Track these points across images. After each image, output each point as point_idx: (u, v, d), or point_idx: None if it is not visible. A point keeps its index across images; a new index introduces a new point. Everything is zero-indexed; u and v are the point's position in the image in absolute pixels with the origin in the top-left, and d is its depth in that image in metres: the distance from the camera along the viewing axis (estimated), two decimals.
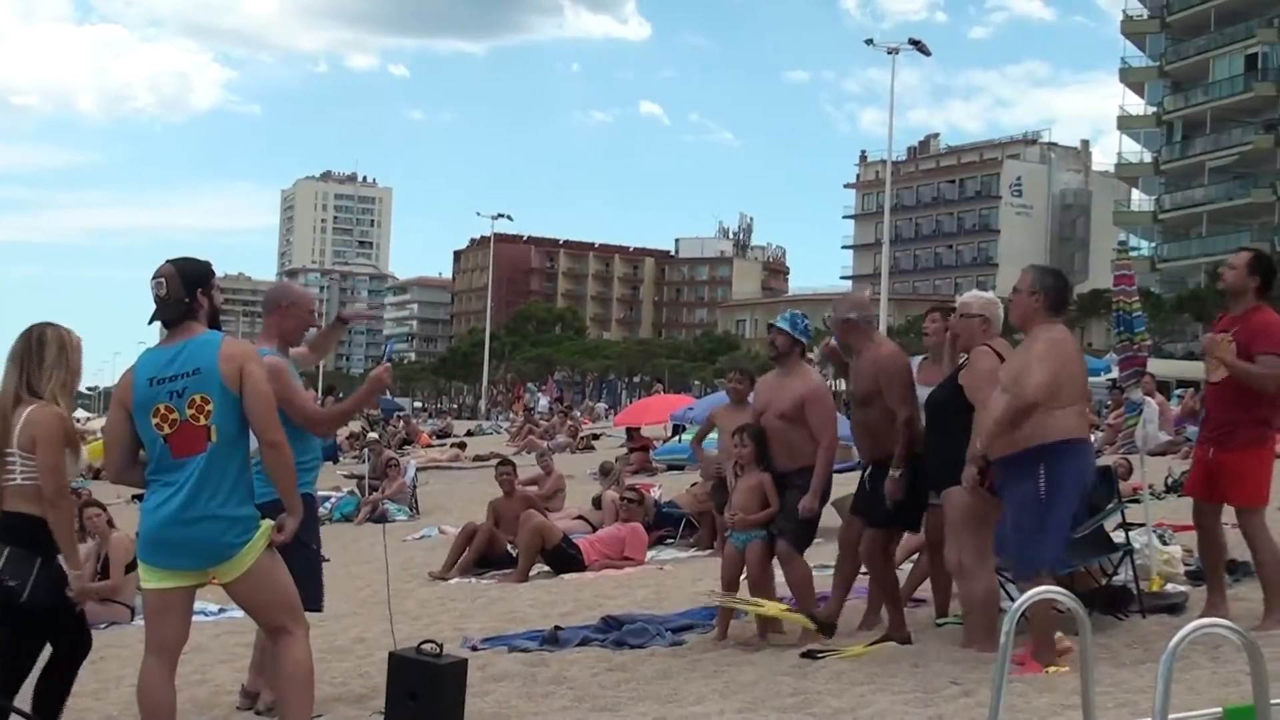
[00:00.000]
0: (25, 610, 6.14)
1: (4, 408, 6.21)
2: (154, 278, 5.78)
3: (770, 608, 8.61)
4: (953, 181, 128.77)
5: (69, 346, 6.35)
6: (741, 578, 9.18)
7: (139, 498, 7.67)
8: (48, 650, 6.48)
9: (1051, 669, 7.05)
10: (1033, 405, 7.11)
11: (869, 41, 53.81)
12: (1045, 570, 7.23)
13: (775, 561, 9.04)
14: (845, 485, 10.17)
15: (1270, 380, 7.99)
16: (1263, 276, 8.27)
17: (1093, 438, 15.56)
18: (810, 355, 9.05)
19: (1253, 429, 8.15)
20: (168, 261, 5.86)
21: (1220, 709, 3.46)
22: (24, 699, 6.37)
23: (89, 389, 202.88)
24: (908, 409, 8.47)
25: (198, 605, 6.54)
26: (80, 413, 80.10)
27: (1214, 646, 7.27)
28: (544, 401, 62.53)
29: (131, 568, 11.23)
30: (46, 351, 6.25)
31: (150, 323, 5.85)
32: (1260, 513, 8.21)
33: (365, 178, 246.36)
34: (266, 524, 5.75)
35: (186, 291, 5.77)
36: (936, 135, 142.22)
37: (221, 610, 10.52)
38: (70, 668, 6.52)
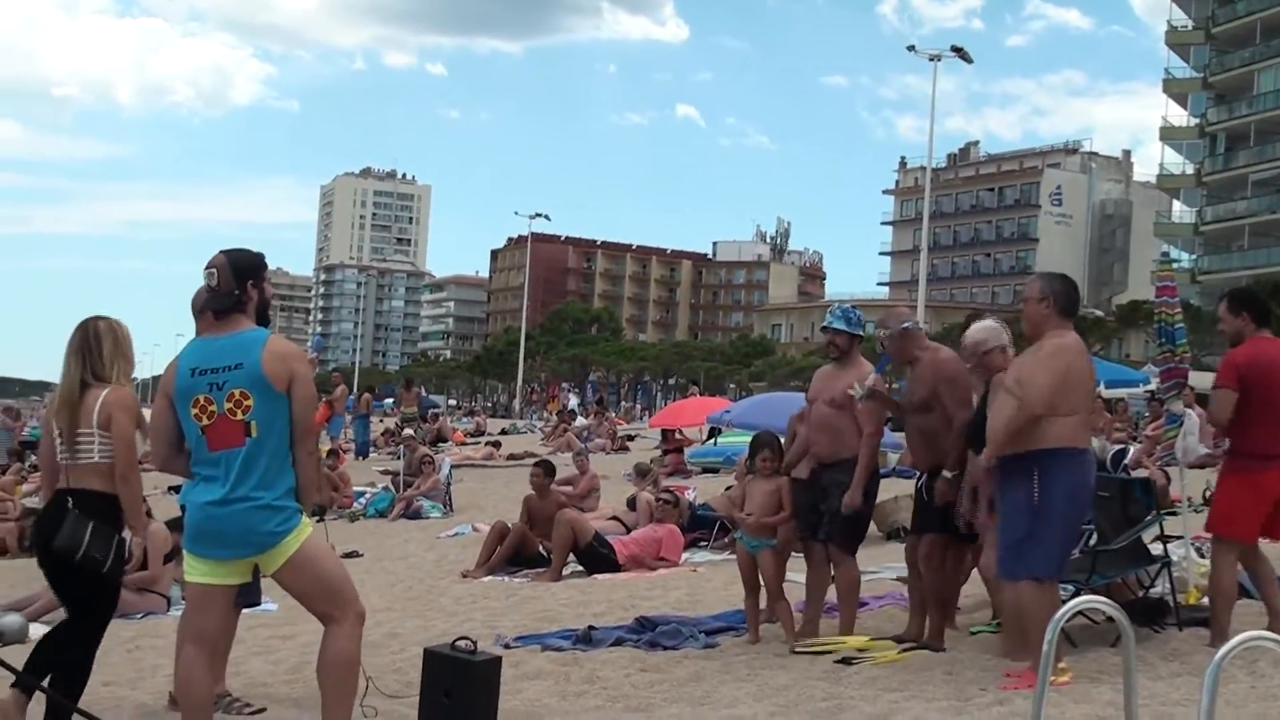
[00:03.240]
0: (98, 581, 6.50)
1: (71, 395, 6.58)
2: (207, 267, 5.86)
3: (852, 641, 8.55)
4: (992, 189, 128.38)
5: (121, 336, 6.76)
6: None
7: (175, 489, 7.70)
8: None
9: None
10: (1038, 419, 7.15)
11: (911, 48, 53.34)
12: (1032, 578, 7.22)
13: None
14: (885, 489, 10.16)
15: (1212, 412, 8.34)
16: (1248, 311, 8.31)
17: (1132, 449, 15.51)
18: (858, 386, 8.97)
19: (1230, 457, 8.35)
20: (221, 252, 5.93)
21: None
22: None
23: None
24: (967, 412, 8.43)
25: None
26: None
27: (1251, 661, 7.22)
28: (573, 401, 62.54)
29: (169, 558, 11.32)
30: (104, 342, 6.66)
31: (203, 310, 5.92)
32: (1223, 543, 8.19)
33: (404, 175, 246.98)
34: (308, 524, 5.79)
35: (237, 283, 5.83)
36: (976, 143, 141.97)
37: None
38: (83, 646, 6.64)
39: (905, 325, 8.89)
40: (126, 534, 6.68)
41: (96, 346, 6.64)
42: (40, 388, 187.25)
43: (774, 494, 9.03)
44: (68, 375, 6.64)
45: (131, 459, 6.56)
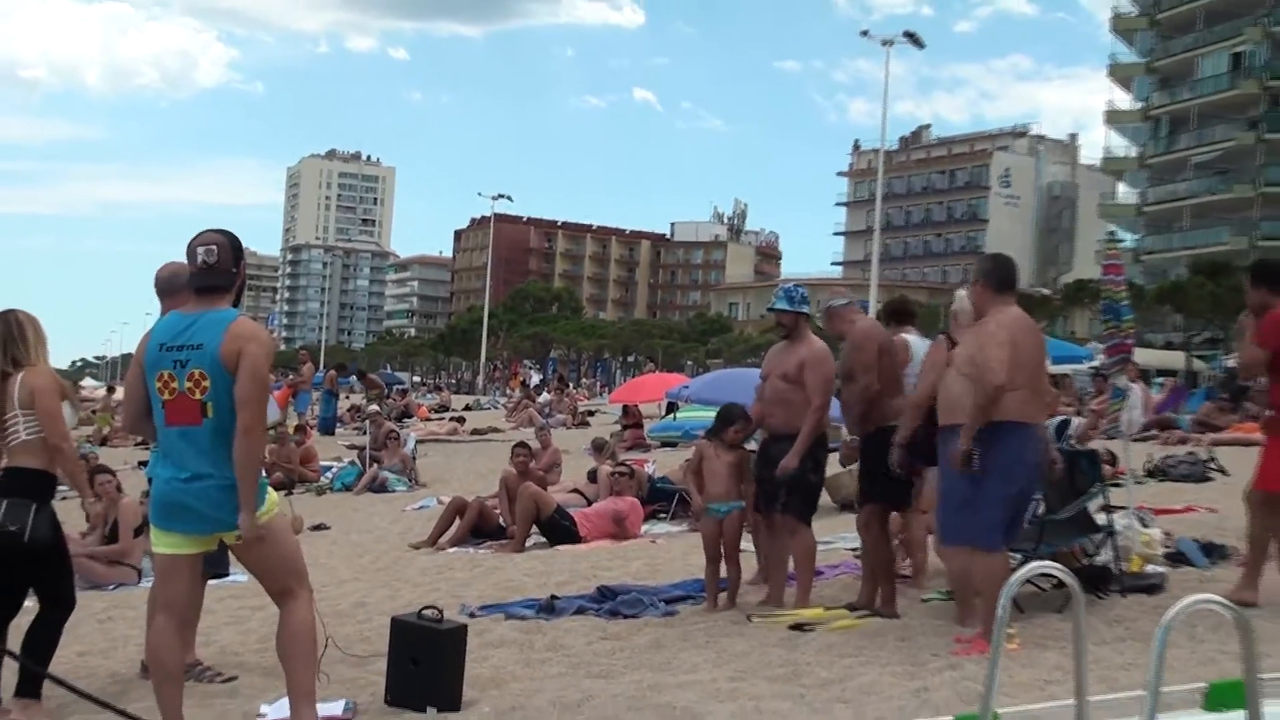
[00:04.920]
0: (27, 551, 6.57)
1: None
2: (202, 245, 5.73)
3: (808, 613, 8.53)
4: (943, 172, 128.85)
5: (38, 325, 6.98)
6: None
7: (144, 463, 7.71)
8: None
9: None
10: (1000, 387, 7.19)
11: (864, 33, 53.24)
12: (970, 546, 7.34)
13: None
14: (837, 462, 10.20)
15: (1242, 364, 8.23)
16: (1265, 284, 8.36)
17: (1075, 422, 15.60)
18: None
19: (1276, 417, 8.35)
20: (215, 230, 5.84)
21: (1205, 684, 3.46)
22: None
23: (96, 358, 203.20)
24: (868, 376, 8.55)
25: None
26: (88, 381, 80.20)
27: (1191, 626, 7.29)
28: (535, 378, 62.77)
29: (139, 531, 11.27)
30: (26, 331, 6.87)
31: (182, 289, 5.87)
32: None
33: (369, 157, 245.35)
34: (273, 495, 5.79)
35: (234, 262, 5.79)
36: (928, 126, 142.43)
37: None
38: (54, 625, 6.76)
39: (828, 304, 9.04)
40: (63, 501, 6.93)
41: (20, 335, 6.84)
42: None
43: (736, 465, 9.05)
44: None
45: (59, 429, 6.76)
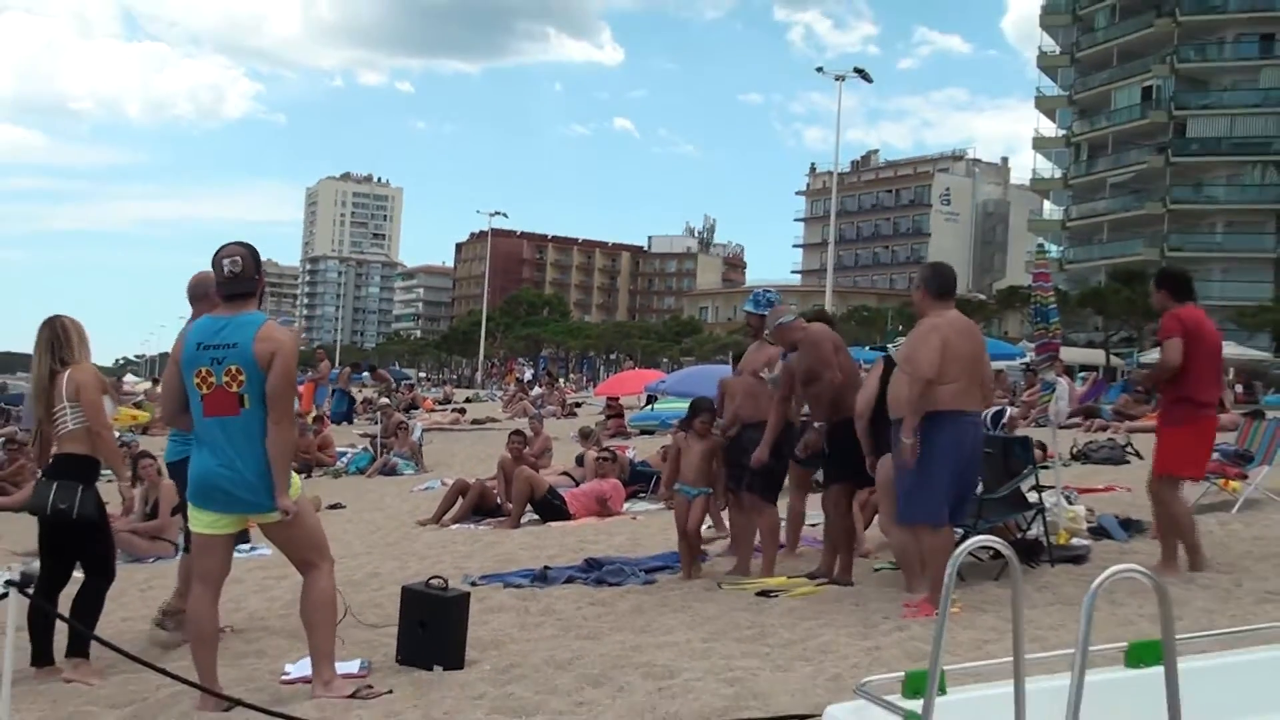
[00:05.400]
0: (75, 525, 6.65)
1: (43, 381, 6.84)
2: (227, 257, 5.72)
3: (772, 581, 8.56)
4: (890, 191, 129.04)
5: (80, 328, 7.03)
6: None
7: None
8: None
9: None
10: (928, 382, 7.20)
11: (819, 69, 53.16)
12: (921, 524, 7.36)
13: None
14: None
15: (1167, 357, 8.16)
16: (1165, 288, 8.38)
17: (1009, 412, 15.64)
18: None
19: (1171, 408, 8.33)
20: (236, 243, 5.82)
21: (1125, 643, 3.46)
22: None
23: (137, 356, 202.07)
24: (830, 372, 8.55)
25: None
26: (129, 377, 79.70)
27: (1111, 592, 7.30)
28: (528, 373, 62.75)
29: (177, 510, 11.22)
30: (70, 334, 6.93)
31: (208, 295, 5.87)
32: (1173, 481, 8.37)
33: (379, 178, 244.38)
34: (296, 478, 5.77)
35: (255, 270, 5.78)
36: (876, 151, 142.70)
37: (253, 548, 10.47)
38: (97, 592, 6.84)
39: (779, 321, 8.99)
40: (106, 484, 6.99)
41: (65, 339, 6.89)
42: None
43: (707, 454, 9.06)
44: (39, 366, 6.88)
45: (102, 419, 6.82)
